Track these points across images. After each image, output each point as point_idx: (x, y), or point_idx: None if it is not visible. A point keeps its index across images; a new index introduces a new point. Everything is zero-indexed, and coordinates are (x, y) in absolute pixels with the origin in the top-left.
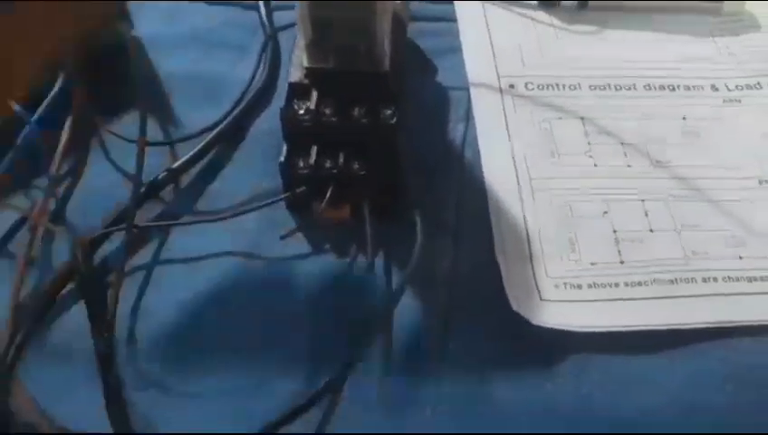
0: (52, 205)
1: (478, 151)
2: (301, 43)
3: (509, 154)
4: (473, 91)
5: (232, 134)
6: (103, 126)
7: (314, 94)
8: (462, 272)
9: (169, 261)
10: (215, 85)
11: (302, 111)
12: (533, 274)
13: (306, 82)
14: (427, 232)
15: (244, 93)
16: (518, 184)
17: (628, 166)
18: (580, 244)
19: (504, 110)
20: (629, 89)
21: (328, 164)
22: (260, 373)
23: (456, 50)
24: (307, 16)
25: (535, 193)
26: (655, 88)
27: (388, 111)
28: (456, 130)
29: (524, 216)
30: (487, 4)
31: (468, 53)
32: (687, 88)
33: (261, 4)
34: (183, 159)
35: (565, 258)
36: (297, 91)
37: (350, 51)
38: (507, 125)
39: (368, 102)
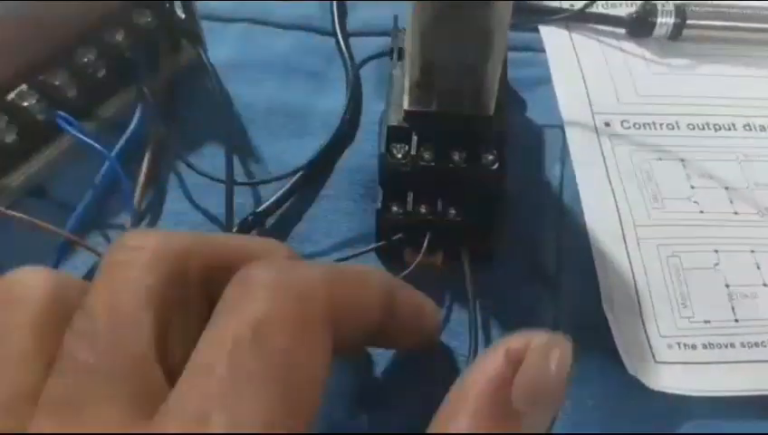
0: None
1: (577, 194)
2: (402, 84)
3: (611, 197)
4: (568, 130)
5: (318, 173)
6: (184, 161)
7: (414, 138)
8: (565, 325)
9: None
10: (295, 117)
11: (400, 156)
12: (646, 332)
13: (405, 125)
14: (528, 282)
15: (334, 131)
16: (622, 230)
17: (735, 213)
18: (692, 299)
19: (601, 150)
20: (729, 129)
21: (424, 210)
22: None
23: (543, 81)
24: (417, 58)
25: (641, 241)
26: (755, 128)
27: (490, 157)
28: (552, 170)
29: (631, 266)
30: (574, 34)
31: (560, 89)
32: None
33: (338, 32)
34: (270, 200)
35: (677, 315)
36: (396, 135)
37: (456, 93)
38: (606, 167)
39: (469, 146)
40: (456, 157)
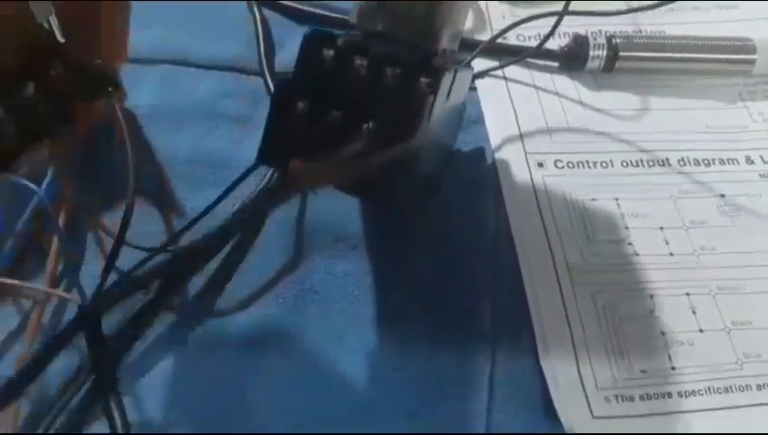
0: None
1: (510, 236)
2: None
3: (544, 241)
4: (500, 171)
5: (245, 225)
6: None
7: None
8: (502, 378)
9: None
10: (218, 165)
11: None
12: (583, 385)
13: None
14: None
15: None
16: (557, 276)
17: (671, 254)
18: (628, 348)
19: (534, 191)
20: (663, 164)
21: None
22: None
23: (475, 120)
24: None
25: (575, 287)
26: (689, 163)
27: (425, 81)
28: (485, 214)
29: (567, 314)
30: (507, 70)
31: (492, 128)
32: (722, 162)
33: (266, 72)
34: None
35: (614, 365)
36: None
37: (407, 18)
38: (540, 208)
39: (404, 69)
40: (390, 73)
